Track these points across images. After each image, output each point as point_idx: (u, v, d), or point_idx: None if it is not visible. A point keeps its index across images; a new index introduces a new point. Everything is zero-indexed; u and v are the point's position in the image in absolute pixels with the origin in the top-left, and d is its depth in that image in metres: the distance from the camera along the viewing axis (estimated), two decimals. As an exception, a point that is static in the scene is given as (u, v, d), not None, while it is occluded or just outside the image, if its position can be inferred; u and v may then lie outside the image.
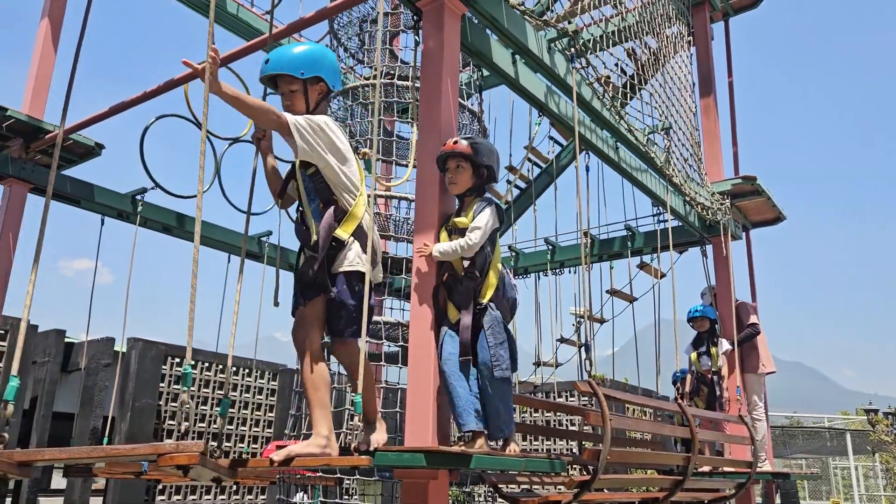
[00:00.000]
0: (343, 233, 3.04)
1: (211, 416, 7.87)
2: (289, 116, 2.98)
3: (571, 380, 9.85)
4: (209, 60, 2.69)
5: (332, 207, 3.07)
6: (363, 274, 3.04)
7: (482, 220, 3.42)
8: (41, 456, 2.63)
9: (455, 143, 3.52)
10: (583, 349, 6.04)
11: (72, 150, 5.96)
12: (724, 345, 6.91)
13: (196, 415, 7.73)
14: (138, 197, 6.52)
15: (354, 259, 3.04)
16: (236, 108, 2.88)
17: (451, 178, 3.57)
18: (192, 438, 2.50)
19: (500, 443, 3.46)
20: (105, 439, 5.70)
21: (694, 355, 7.16)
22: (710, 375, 6.92)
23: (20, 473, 2.56)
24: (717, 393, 6.83)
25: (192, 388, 7.72)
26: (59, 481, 9.01)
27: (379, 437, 3.15)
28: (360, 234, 3.10)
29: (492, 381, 3.30)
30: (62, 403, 7.91)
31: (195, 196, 6.71)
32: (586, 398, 9.59)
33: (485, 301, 3.40)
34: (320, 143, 3.05)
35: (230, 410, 8.26)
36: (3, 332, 6.48)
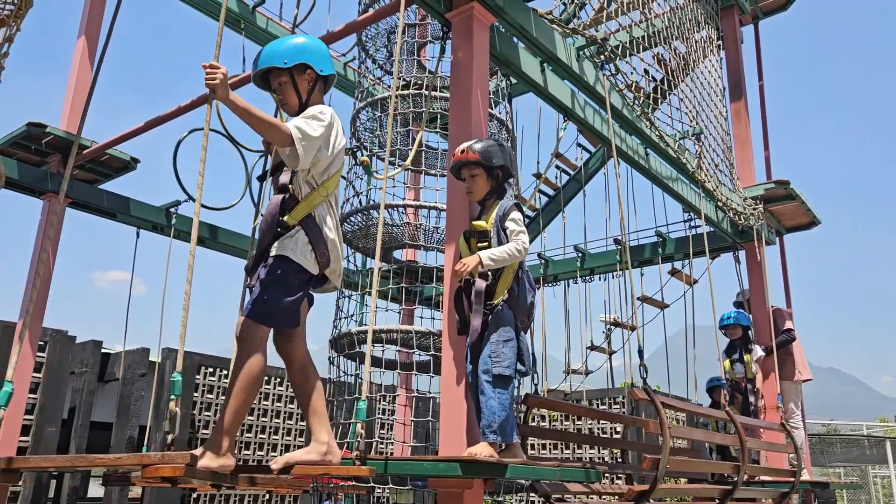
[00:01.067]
0: (289, 218, 2.87)
1: (212, 423, 7.95)
2: (292, 129, 2.82)
3: (599, 388, 9.78)
4: (220, 75, 2.64)
5: (286, 195, 2.92)
6: (297, 265, 2.83)
7: (519, 219, 3.38)
8: (26, 464, 2.69)
9: (463, 151, 3.48)
10: (629, 355, 6.01)
11: (108, 165, 6.09)
12: (758, 351, 6.79)
13: (199, 421, 7.81)
14: (172, 209, 6.63)
15: (292, 246, 2.84)
16: (244, 119, 2.79)
17: (469, 187, 3.57)
18: (198, 446, 2.47)
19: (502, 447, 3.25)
20: (144, 447, 5.79)
21: (727, 363, 7.01)
22: (744, 383, 6.78)
23: (5, 480, 2.60)
24: (752, 400, 6.70)
25: (210, 397, 7.80)
26: (95, 489, 9.16)
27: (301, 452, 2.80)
28: (310, 225, 2.90)
29: (490, 378, 3.16)
30: (99, 413, 8.04)
31: (228, 208, 6.79)
32: (617, 406, 9.51)
33: (496, 302, 3.31)
34: (318, 147, 2.91)
35: (248, 418, 8.33)
36: (42, 343, 6.62)
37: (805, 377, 6.91)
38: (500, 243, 3.37)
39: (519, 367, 3.28)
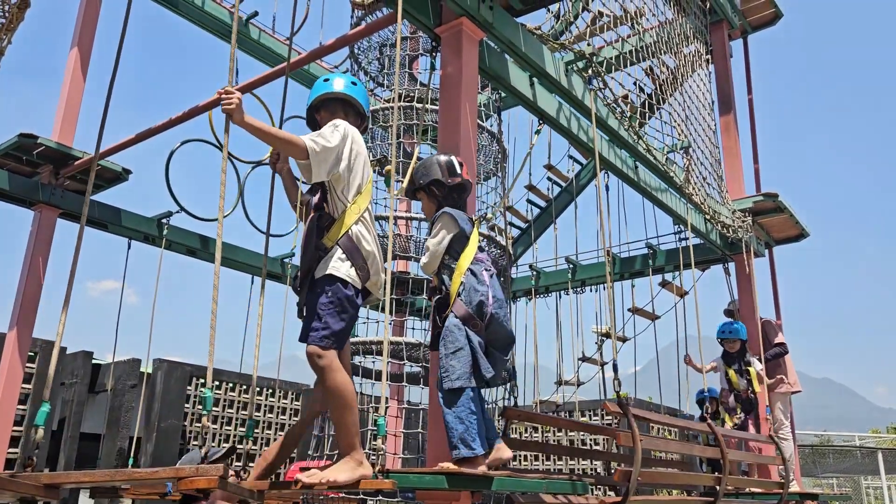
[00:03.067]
0: (327, 241, 2.97)
1: (234, 435, 7.93)
2: (307, 141, 2.89)
3: (592, 399, 9.80)
4: (235, 99, 2.69)
5: (319, 214, 3.02)
6: (346, 282, 2.92)
7: (432, 237, 3.38)
8: (67, 479, 2.67)
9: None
10: (610, 368, 6.01)
11: (100, 176, 6.10)
12: (758, 366, 6.76)
13: (220, 435, 7.80)
14: (164, 220, 6.64)
15: (334, 264, 2.93)
16: (261, 138, 2.88)
17: (423, 210, 3.64)
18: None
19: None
20: (131, 460, 5.77)
21: (732, 372, 6.93)
22: (746, 394, 6.73)
23: (47, 496, 2.60)
24: (756, 413, 6.65)
25: (213, 409, 7.79)
26: (85, 501, 9.11)
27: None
28: (346, 243, 2.98)
29: (442, 394, 3.11)
30: (89, 424, 8.01)
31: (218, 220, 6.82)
32: (609, 417, 9.52)
33: (447, 313, 3.25)
34: (334, 159, 2.97)
35: (267, 432, 8.31)
36: (32, 354, 6.60)
37: (795, 389, 6.94)
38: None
39: (484, 374, 3.13)
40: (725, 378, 6.94)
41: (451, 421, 3.05)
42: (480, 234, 5.46)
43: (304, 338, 2.93)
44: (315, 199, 3.05)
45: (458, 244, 3.33)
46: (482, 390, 3.34)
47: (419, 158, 6.34)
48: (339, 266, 2.92)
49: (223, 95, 2.71)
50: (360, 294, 3.01)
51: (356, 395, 2.93)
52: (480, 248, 3.44)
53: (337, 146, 2.95)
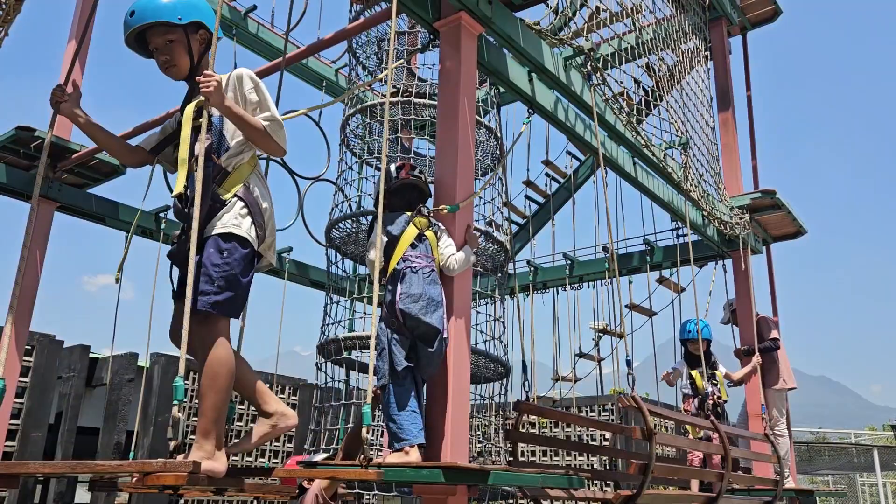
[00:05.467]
0: (223, 191, 2.64)
1: (232, 430, 7.94)
2: (267, 123, 2.66)
3: (589, 395, 9.82)
4: (214, 82, 2.56)
5: (209, 164, 2.66)
6: (244, 240, 2.59)
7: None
8: (25, 469, 2.66)
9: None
10: (608, 364, 6.02)
11: (97, 169, 6.08)
12: (723, 369, 6.61)
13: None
14: (161, 214, 6.63)
15: (231, 220, 2.59)
16: (237, 125, 2.66)
17: None
18: (185, 456, 2.46)
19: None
20: (132, 454, 5.78)
21: (696, 374, 6.48)
22: (712, 399, 6.29)
23: (4, 485, 2.56)
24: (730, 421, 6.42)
25: (184, 401, 7.79)
26: (82, 495, 9.12)
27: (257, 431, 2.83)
28: (246, 196, 2.67)
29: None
30: (87, 418, 8.01)
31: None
32: (607, 413, 9.55)
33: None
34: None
35: (251, 424, 8.31)
36: (29, 347, 6.59)
37: (790, 386, 6.94)
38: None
39: (395, 367, 3.22)
40: (689, 382, 6.55)
41: (386, 420, 3.20)
42: (478, 229, 5.46)
43: (179, 296, 2.60)
44: (197, 147, 2.66)
45: (389, 248, 3.42)
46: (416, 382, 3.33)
47: (416, 154, 6.37)
48: (240, 223, 2.61)
49: (201, 79, 2.55)
50: (255, 255, 2.70)
51: (232, 377, 2.59)
52: (412, 245, 3.43)
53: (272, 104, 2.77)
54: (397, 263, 3.37)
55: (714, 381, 6.40)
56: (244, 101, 2.75)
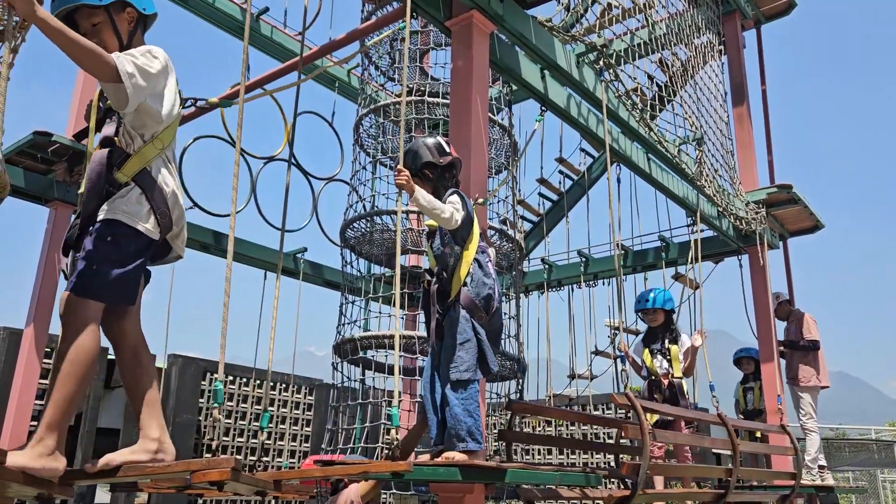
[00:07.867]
0: (121, 175, 2.45)
1: (249, 430, 7.98)
2: (121, 61, 2.39)
3: (607, 392, 9.78)
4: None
5: (110, 149, 2.48)
6: (132, 230, 2.42)
7: (455, 200, 3.22)
8: (82, 476, 2.67)
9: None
10: (618, 361, 5.96)
11: (113, 173, 6.14)
12: (685, 342, 5.76)
13: (234, 430, 7.85)
14: (177, 217, 6.68)
15: (129, 207, 2.43)
16: (58, 44, 2.29)
17: None
18: (232, 453, 2.53)
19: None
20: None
21: (646, 354, 5.77)
22: (667, 380, 5.65)
23: (60, 492, 2.56)
24: (682, 403, 5.58)
25: (226, 404, 7.85)
26: (102, 496, 9.20)
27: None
28: (145, 181, 2.49)
29: (450, 384, 3.05)
30: (106, 419, 8.08)
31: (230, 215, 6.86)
32: (623, 410, 9.51)
33: (450, 300, 3.17)
34: (150, 87, 2.49)
35: (268, 425, 8.37)
36: (49, 350, 6.66)
37: (823, 384, 6.99)
38: (441, 241, 3.27)
39: (490, 366, 3.11)
40: (639, 362, 5.86)
41: (460, 413, 3.01)
42: (492, 227, 5.46)
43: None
44: (105, 129, 2.53)
45: (464, 229, 3.22)
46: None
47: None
48: (136, 210, 2.44)
49: None
50: (153, 247, 2.53)
51: (94, 370, 2.44)
52: (480, 236, 3.33)
53: (157, 74, 2.50)
54: (478, 253, 3.21)
55: (668, 357, 5.70)
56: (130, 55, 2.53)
